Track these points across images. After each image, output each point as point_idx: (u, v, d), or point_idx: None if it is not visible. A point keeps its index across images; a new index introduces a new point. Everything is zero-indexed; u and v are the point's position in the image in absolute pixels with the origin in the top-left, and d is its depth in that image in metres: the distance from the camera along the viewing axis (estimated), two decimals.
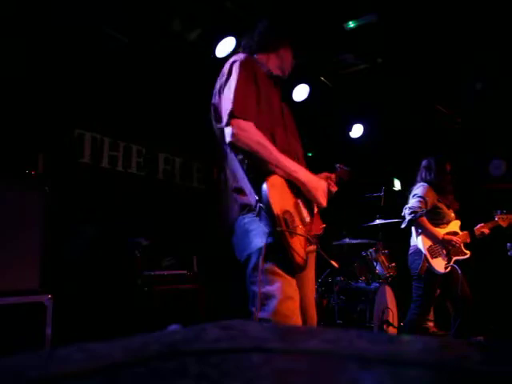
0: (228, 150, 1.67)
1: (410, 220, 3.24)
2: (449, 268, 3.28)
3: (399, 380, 0.33)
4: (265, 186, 1.48)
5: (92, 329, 2.99)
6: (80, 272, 3.40)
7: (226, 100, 1.58)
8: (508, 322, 4.14)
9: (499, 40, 3.88)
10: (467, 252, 3.38)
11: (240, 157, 1.61)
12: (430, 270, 3.24)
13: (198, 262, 3.90)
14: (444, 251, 3.30)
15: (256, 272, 1.50)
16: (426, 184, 3.37)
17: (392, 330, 3.76)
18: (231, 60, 1.71)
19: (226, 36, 3.74)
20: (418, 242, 3.32)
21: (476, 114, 4.98)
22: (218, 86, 1.73)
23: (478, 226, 3.47)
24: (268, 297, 1.49)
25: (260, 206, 1.47)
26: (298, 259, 1.48)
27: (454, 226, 3.46)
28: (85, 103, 3.80)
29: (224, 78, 1.68)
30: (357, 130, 5.34)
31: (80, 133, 3.89)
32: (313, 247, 1.70)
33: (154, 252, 3.66)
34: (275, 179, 1.54)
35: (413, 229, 3.42)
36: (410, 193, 3.44)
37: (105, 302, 3.25)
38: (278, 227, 1.43)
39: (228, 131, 1.53)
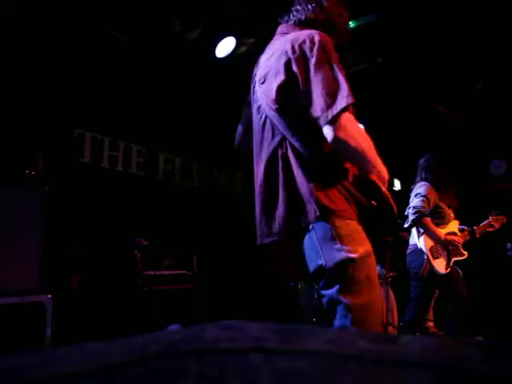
0: (297, 139, 1.42)
1: (413, 219, 3.22)
2: (449, 269, 3.28)
3: (399, 380, 0.33)
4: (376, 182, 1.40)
5: (92, 329, 2.99)
6: (80, 272, 3.40)
7: (330, 87, 1.33)
8: (508, 322, 4.14)
9: (499, 40, 3.88)
10: (465, 253, 3.39)
11: (340, 153, 1.41)
12: (432, 271, 3.24)
13: (197, 262, 3.90)
14: (445, 252, 3.30)
15: (349, 282, 1.35)
16: (427, 183, 3.36)
17: (392, 330, 3.76)
18: (313, 34, 1.41)
19: (225, 36, 3.74)
20: (420, 242, 3.32)
21: (476, 113, 4.98)
22: (294, 62, 1.40)
23: (477, 227, 3.48)
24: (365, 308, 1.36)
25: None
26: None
27: (453, 226, 3.46)
28: (85, 103, 3.80)
29: (308, 55, 1.37)
30: None
31: (80, 133, 3.89)
32: None
33: (154, 252, 3.66)
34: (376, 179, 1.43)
35: (414, 228, 3.41)
36: (411, 192, 3.43)
37: (105, 301, 3.25)
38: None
39: (335, 125, 1.30)
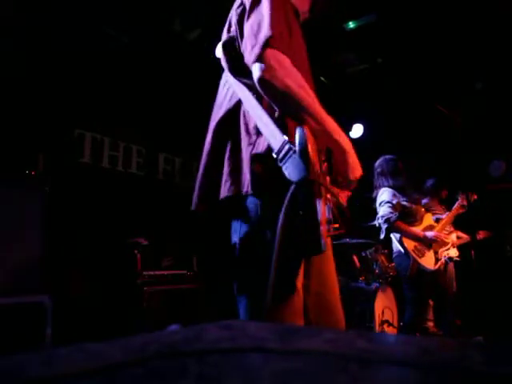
0: (247, 95, 1.24)
1: (386, 228, 3.21)
2: (439, 263, 3.28)
3: (399, 380, 0.33)
4: (303, 131, 1.03)
5: (92, 329, 3.00)
6: (80, 272, 3.40)
7: (257, 28, 1.17)
8: (508, 322, 4.14)
9: (499, 40, 3.88)
10: (449, 241, 3.38)
11: (268, 99, 1.18)
12: (421, 269, 3.24)
13: (197, 262, 3.91)
14: (428, 247, 3.29)
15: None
16: (387, 188, 3.33)
17: (392, 330, 3.76)
18: None
19: None
20: (402, 246, 3.30)
21: (476, 114, 4.98)
22: (235, 15, 1.32)
23: (450, 212, 3.50)
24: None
25: (290, 148, 1.04)
26: (323, 229, 0.98)
27: (428, 219, 3.44)
28: (85, 103, 3.80)
29: (245, 6, 1.27)
30: (357, 130, 5.35)
31: (80, 133, 3.89)
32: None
33: (154, 252, 3.66)
34: (310, 132, 1.07)
35: (392, 236, 3.40)
36: (374, 202, 3.41)
37: (105, 301, 3.26)
38: (314, 176, 0.99)
39: (259, 65, 1.11)
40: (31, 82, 3.40)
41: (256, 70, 1.12)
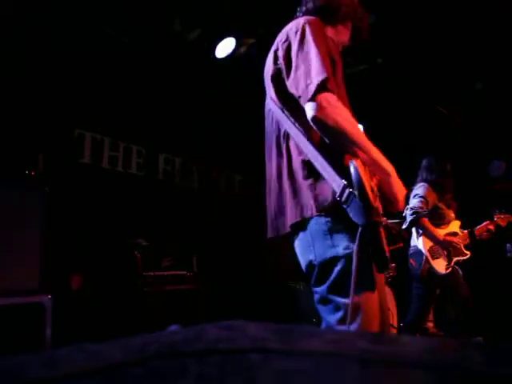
0: (296, 130, 1.37)
1: (411, 220, 3.22)
2: (449, 269, 3.28)
3: (399, 380, 0.33)
4: (356, 168, 1.18)
5: (92, 329, 3.00)
6: (80, 272, 3.40)
7: (308, 68, 1.30)
8: (508, 322, 4.14)
9: (499, 40, 3.88)
10: (467, 252, 3.38)
11: (321, 136, 1.32)
12: (431, 271, 3.24)
13: (197, 262, 3.91)
14: (445, 252, 3.30)
15: (340, 281, 1.27)
16: (426, 184, 3.36)
17: (392, 330, 3.76)
18: (301, 21, 1.42)
19: (225, 36, 3.75)
20: (419, 242, 3.32)
21: (476, 113, 4.98)
22: (281, 50, 1.42)
23: (478, 227, 3.47)
24: (356, 309, 1.24)
25: (350, 192, 1.18)
26: (388, 255, 1.20)
27: (455, 226, 3.45)
28: (85, 103, 3.80)
29: (290, 42, 1.39)
30: None
31: (80, 133, 3.90)
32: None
33: (154, 252, 3.66)
34: (360, 162, 1.24)
35: (413, 229, 3.41)
36: (410, 193, 3.43)
37: (105, 302, 3.26)
38: (376, 217, 1.15)
39: (313, 104, 1.25)
40: (31, 82, 3.40)
41: (309, 109, 1.27)
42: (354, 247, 1.18)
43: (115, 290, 3.36)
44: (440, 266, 3.26)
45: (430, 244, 3.28)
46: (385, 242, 1.20)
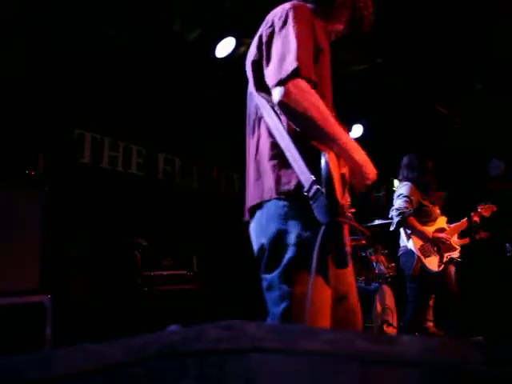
0: (274, 118, 1.33)
1: (398, 221, 3.21)
2: (442, 266, 3.28)
3: (399, 380, 0.33)
4: (327, 164, 1.15)
5: (92, 329, 3.00)
6: (80, 272, 3.40)
7: (283, 54, 1.26)
8: (508, 322, 4.14)
9: (499, 40, 3.88)
10: (457, 247, 3.38)
11: (288, 123, 1.28)
12: (424, 269, 3.24)
13: (197, 262, 3.90)
14: (435, 249, 3.29)
15: (289, 269, 1.24)
16: (409, 183, 3.33)
17: (392, 330, 3.76)
18: (286, 6, 1.37)
19: (225, 36, 3.75)
20: (409, 243, 3.31)
21: (476, 114, 4.98)
22: (265, 35, 1.37)
23: (463, 220, 3.48)
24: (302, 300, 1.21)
25: (318, 189, 1.15)
26: (349, 252, 1.20)
27: (441, 222, 3.44)
28: (85, 103, 3.80)
29: (274, 27, 1.34)
30: (357, 130, 5.35)
31: (80, 133, 3.89)
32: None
33: (154, 252, 3.66)
34: (333, 156, 1.20)
35: (401, 230, 3.40)
36: (394, 193, 3.42)
37: (105, 302, 3.26)
38: (340, 217, 1.13)
39: (280, 89, 1.22)
40: (31, 82, 3.40)
41: (276, 94, 1.23)
42: (316, 245, 1.14)
43: (115, 289, 3.36)
44: (432, 263, 3.25)
45: (421, 243, 3.27)
46: (347, 239, 1.19)
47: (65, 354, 0.38)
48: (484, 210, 3.50)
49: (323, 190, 1.14)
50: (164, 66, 4.12)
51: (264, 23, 1.43)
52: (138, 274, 3.31)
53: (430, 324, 3.46)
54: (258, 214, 1.35)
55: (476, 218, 3.49)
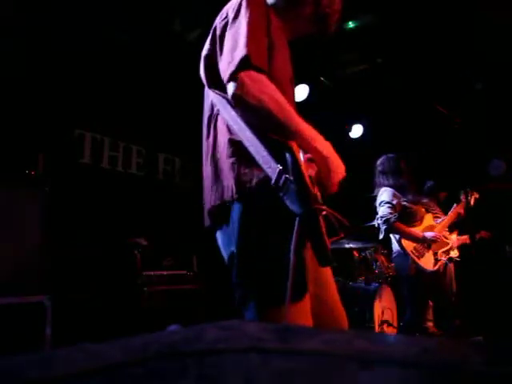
0: (231, 112, 1.25)
1: (385, 229, 3.19)
2: (438, 264, 3.27)
3: (399, 380, 0.33)
4: (292, 153, 1.08)
5: (92, 329, 3.00)
6: (80, 272, 3.40)
7: (233, 45, 1.20)
8: (508, 322, 4.14)
9: (499, 40, 3.88)
10: (449, 242, 3.36)
11: (245, 117, 1.20)
12: (419, 269, 3.23)
13: (197, 262, 3.90)
14: (427, 248, 3.28)
15: (263, 279, 1.17)
16: (388, 188, 3.31)
17: (392, 330, 3.76)
18: None
19: None
20: (401, 246, 3.29)
21: (476, 113, 4.98)
22: (219, 28, 1.32)
23: (453, 209, 3.46)
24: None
25: (286, 178, 1.06)
26: (329, 246, 1.07)
27: (428, 220, 3.42)
28: (85, 103, 3.80)
29: (228, 20, 1.29)
30: (356, 130, 5.35)
31: (80, 133, 3.89)
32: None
33: (154, 252, 3.66)
34: (297, 147, 1.12)
35: (391, 236, 3.39)
36: (374, 200, 3.39)
37: (105, 302, 3.26)
38: (316, 204, 1.04)
39: (233, 82, 1.15)
40: (31, 82, 3.40)
41: (230, 88, 1.16)
42: (292, 240, 1.04)
43: (115, 289, 3.36)
44: (427, 263, 3.24)
45: (412, 245, 3.26)
46: (325, 232, 1.07)
47: (65, 354, 0.38)
48: (468, 199, 3.48)
49: (291, 178, 1.06)
50: (164, 66, 4.12)
51: (219, 16, 1.38)
52: (138, 274, 3.31)
53: (430, 324, 3.45)
54: (223, 219, 1.26)
55: (461, 210, 3.47)
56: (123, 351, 0.38)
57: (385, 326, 3.72)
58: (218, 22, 1.34)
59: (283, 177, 1.07)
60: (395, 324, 3.84)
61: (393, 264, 4.12)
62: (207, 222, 1.39)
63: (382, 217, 3.18)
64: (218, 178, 1.27)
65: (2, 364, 0.34)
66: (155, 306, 3.25)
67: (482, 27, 3.73)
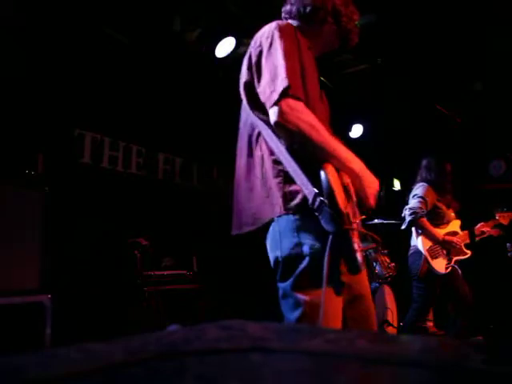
0: (271, 135, 1.40)
1: (410, 221, 3.23)
2: (449, 268, 3.28)
3: (399, 380, 0.33)
4: (326, 176, 1.24)
5: (92, 329, 2.99)
6: (80, 272, 3.40)
7: (273, 74, 1.33)
8: (508, 322, 4.14)
9: (499, 40, 3.88)
10: (468, 252, 3.37)
11: (285, 142, 1.35)
12: (431, 270, 3.24)
13: (197, 262, 3.90)
14: (444, 251, 3.29)
15: (302, 279, 1.32)
16: (426, 184, 3.36)
17: (392, 330, 3.76)
18: (272, 25, 1.44)
19: (225, 36, 3.74)
20: (418, 242, 3.32)
21: (476, 113, 4.98)
22: (254, 56, 1.44)
23: (479, 225, 3.46)
24: (316, 307, 1.27)
25: (321, 201, 1.23)
26: (361, 258, 1.24)
27: (455, 225, 3.45)
28: (85, 103, 3.80)
29: (262, 48, 1.41)
30: (356, 130, 5.34)
31: (80, 133, 3.89)
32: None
33: (154, 252, 3.66)
34: (332, 169, 1.28)
35: (413, 229, 3.41)
36: (410, 193, 3.44)
37: (105, 302, 3.25)
38: (346, 225, 1.21)
39: (275, 110, 1.29)
40: (31, 82, 3.40)
41: (272, 115, 1.31)
42: (326, 254, 1.21)
43: (115, 289, 3.35)
44: (439, 265, 3.26)
45: (430, 244, 3.28)
46: (357, 245, 1.24)
47: (65, 354, 0.38)
48: (502, 218, 3.49)
49: (326, 201, 1.22)
50: (164, 66, 4.11)
51: (252, 43, 1.49)
52: (138, 274, 3.31)
53: (430, 324, 3.46)
54: (271, 228, 1.41)
55: (486, 228, 3.47)
56: (123, 351, 0.38)
57: (385, 326, 3.72)
58: (253, 50, 1.46)
59: (318, 199, 1.24)
60: (395, 324, 3.84)
61: (393, 264, 4.12)
62: (236, 230, 1.54)
63: (410, 208, 3.24)
64: (268, 195, 1.42)
65: (2, 363, 0.34)
66: (155, 306, 3.25)
67: (481, 27, 3.73)
